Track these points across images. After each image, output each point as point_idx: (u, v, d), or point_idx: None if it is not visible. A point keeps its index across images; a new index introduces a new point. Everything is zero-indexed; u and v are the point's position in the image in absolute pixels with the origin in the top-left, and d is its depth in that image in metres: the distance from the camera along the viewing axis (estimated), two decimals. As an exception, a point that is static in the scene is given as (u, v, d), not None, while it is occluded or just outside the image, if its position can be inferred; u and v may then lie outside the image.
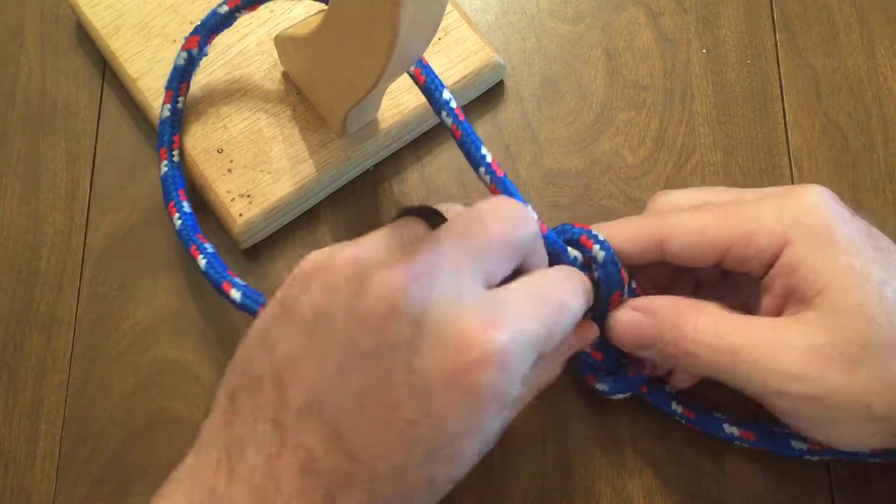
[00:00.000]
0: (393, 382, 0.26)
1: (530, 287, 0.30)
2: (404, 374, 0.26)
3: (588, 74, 0.45)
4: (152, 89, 0.42)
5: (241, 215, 0.40)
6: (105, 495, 0.37)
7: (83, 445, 0.38)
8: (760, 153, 0.43)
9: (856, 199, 0.42)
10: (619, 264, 0.34)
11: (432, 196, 0.42)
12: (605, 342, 0.36)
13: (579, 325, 0.33)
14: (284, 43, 0.40)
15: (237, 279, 0.37)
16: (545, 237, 0.34)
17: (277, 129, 0.41)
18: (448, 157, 0.43)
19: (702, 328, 0.33)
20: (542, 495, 0.37)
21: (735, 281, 0.36)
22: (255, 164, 0.41)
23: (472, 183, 0.43)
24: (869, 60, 0.45)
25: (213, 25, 0.40)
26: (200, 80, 0.42)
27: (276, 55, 0.42)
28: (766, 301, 0.33)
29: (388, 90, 0.40)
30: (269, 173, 0.40)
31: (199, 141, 0.41)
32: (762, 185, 0.40)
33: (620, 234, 0.35)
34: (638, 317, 0.35)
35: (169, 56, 0.42)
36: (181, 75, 0.40)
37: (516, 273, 0.31)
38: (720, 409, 0.37)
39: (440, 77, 0.37)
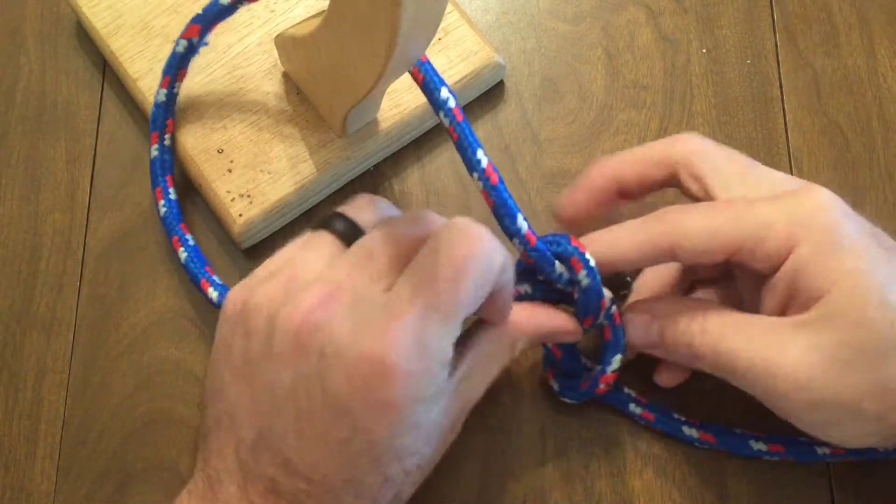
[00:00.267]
0: (316, 410, 0.28)
1: (421, 267, 0.29)
2: (323, 400, 0.28)
3: (588, 74, 0.45)
4: (152, 89, 0.42)
5: (241, 215, 0.40)
6: (105, 495, 0.37)
7: (83, 445, 0.38)
8: (760, 153, 0.43)
9: (856, 199, 0.42)
10: (602, 294, 0.34)
11: (432, 196, 0.42)
12: (566, 344, 0.36)
13: (548, 312, 0.34)
14: (285, 43, 0.40)
15: (215, 277, 0.39)
16: (534, 248, 0.33)
17: (277, 129, 0.41)
18: (448, 158, 0.43)
19: (706, 331, 0.33)
20: (542, 495, 0.37)
21: (731, 273, 0.37)
22: (255, 164, 0.41)
23: (471, 183, 0.42)
24: (869, 60, 0.45)
25: (215, 15, 0.40)
26: (201, 79, 0.42)
27: (276, 55, 0.42)
28: (771, 301, 0.33)
29: (388, 90, 0.40)
30: (269, 173, 0.40)
31: (199, 141, 0.41)
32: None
33: (629, 244, 0.34)
34: (642, 319, 0.35)
35: (169, 56, 0.42)
36: (179, 62, 0.40)
37: None
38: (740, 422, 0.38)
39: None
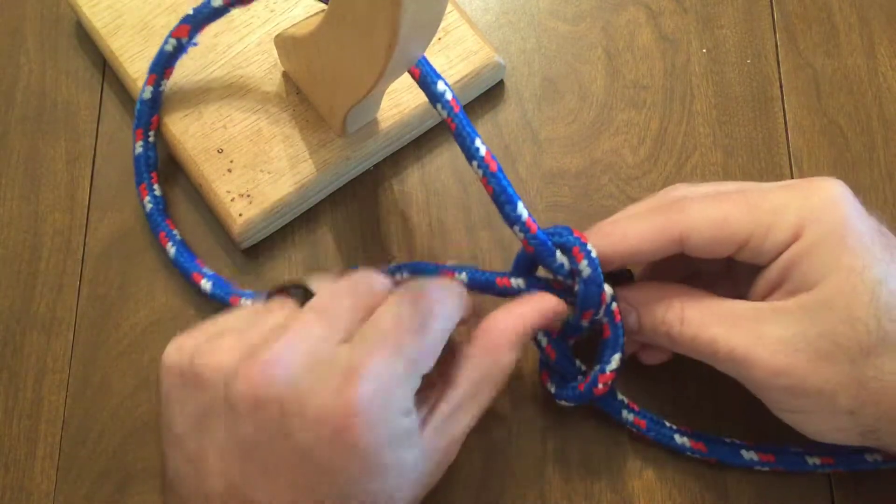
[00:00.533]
0: (284, 458, 0.28)
1: (383, 321, 0.30)
2: (290, 449, 0.28)
3: (588, 74, 0.45)
4: (152, 89, 0.42)
5: (240, 215, 0.40)
6: (105, 495, 0.37)
7: (83, 445, 0.38)
8: (760, 153, 0.43)
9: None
10: (602, 287, 0.34)
11: (432, 196, 0.42)
12: (561, 344, 0.36)
13: (532, 298, 0.34)
14: (285, 43, 0.40)
15: (206, 268, 0.39)
16: (534, 236, 0.33)
17: (277, 129, 0.41)
18: (448, 157, 0.43)
19: (686, 320, 0.33)
20: (542, 495, 0.37)
21: (733, 270, 0.36)
22: (255, 164, 0.41)
23: (471, 182, 0.43)
24: (869, 60, 0.45)
25: (205, 17, 0.40)
26: (201, 79, 0.42)
27: (276, 55, 0.42)
28: (762, 285, 0.33)
29: (388, 90, 0.40)
30: (269, 173, 0.40)
31: (199, 141, 0.41)
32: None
33: (637, 234, 0.34)
34: (625, 309, 0.35)
35: (169, 56, 0.42)
36: (167, 61, 0.41)
37: None
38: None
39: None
